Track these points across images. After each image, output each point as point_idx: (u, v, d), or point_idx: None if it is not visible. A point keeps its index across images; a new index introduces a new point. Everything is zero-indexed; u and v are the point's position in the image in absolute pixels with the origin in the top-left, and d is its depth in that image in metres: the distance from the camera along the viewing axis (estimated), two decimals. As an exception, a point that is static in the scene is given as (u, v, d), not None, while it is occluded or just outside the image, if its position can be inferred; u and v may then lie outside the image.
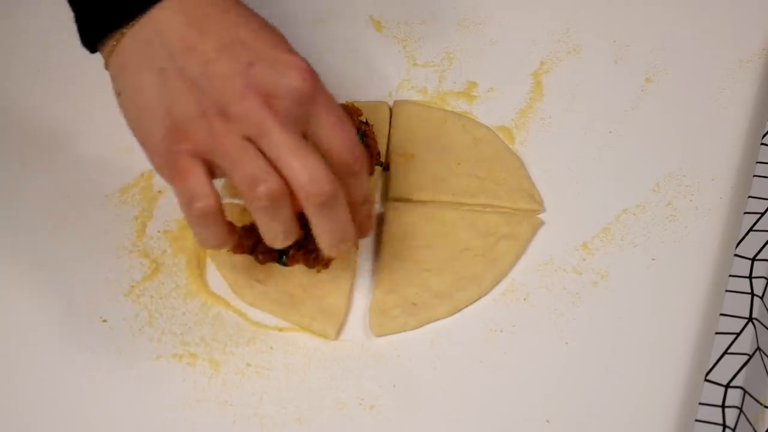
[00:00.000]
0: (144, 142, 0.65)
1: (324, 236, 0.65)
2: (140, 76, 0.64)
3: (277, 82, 0.62)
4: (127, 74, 0.65)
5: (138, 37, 0.64)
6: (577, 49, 0.86)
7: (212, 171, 0.64)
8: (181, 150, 0.63)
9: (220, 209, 0.64)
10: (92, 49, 0.67)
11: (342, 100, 0.80)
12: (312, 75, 0.63)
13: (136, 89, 0.64)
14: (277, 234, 0.65)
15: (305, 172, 0.61)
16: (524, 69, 0.85)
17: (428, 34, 0.88)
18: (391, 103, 0.83)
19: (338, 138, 0.64)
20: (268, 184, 0.61)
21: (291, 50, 0.64)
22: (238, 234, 0.68)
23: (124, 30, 0.65)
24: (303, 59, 0.63)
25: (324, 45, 0.87)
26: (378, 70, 0.86)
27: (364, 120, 0.79)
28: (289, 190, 0.62)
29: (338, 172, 0.64)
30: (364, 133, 0.78)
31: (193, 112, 0.62)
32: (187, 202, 0.63)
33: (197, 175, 0.62)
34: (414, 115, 0.81)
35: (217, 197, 0.63)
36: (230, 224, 0.66)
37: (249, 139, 0.62)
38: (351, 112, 0.79)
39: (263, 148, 0.62)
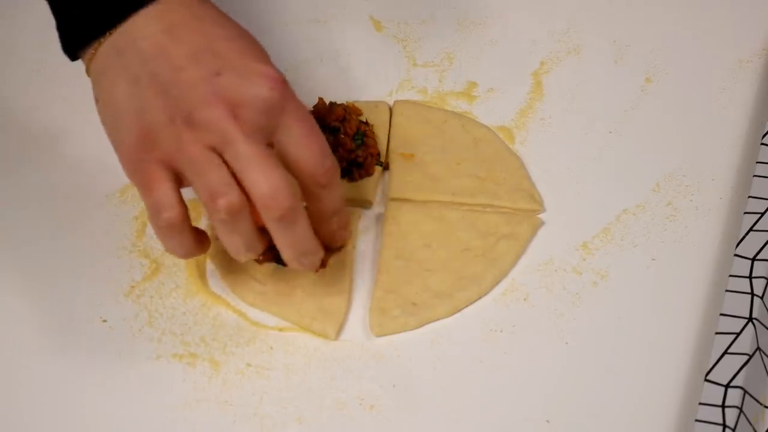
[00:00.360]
0: (117, 149, 0.65)
1: (284, 249, 0.65)
2: (115, 83, 0.64)
3: (243, 90, 0.61)
4: (103, 81, 0.65)
5: (115, 44, 0.64)
6: (577, 49, 0.86)
7: (182, 180, 0.63)
8: (150, 158, 0.62)
9: (185, 220, 0.63)
10: (72, 56, 0.67)
11: (342, 100, 0.80)
12: (281, 84, 0.62)
13: (111, 96, 0.64)
14: (238, 247, 0.64)
15: (265, 185, 0.61)
16: (524, 69, 0.85)
17: (428, 34, 0.88)
18: (391, 103, 0.83)
19: (307, 149, 0.63)
20: (228, 197, 0.61)
21: (264, 60, 0.64)
22: (208, 244, 0.67)
23: (103, 38, 0.65)
24: (275, 69, 0.63)
25: (324, 45, 0.87)
26: (378, 70, 0.86)
27: (364, 120, 0.79)
28: (251, 203, 0.62)
29: (306, 183, 0.64)
30: (364, 133, 0.78)
31: (162, 119, 0.62)
32: (153, 212, 0.63)
33: (164, 186, 0.62)
34: (414, 115, 0.81)
35: (183, 209, 0.63)
36: (200, 234, 0.66)
37: (214, 149, 0.61)
38: (351, 112, 0.79)
39: (227, 159, 0.61)
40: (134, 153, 0.63)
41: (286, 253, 0.65)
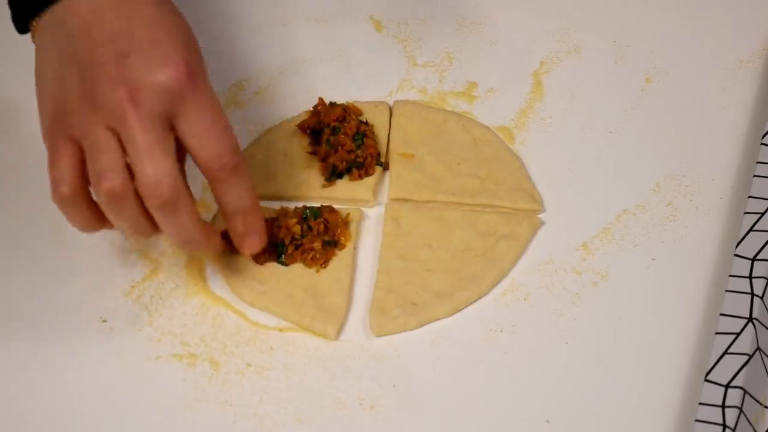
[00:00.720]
0: (40, 121, 0.66)
1: (168, 235, 0.66)
2: (45, 57, 0.66)
3: (144, 75, 0.62)
4: (38, 54, 0.67)
5: (52, 19, 0.66)
6: (577, 49, 0.86)
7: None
8: (60, 133, 0.64)
9: (78, 196, 0.64)
10: (20, 29, 0.68)
11: (342, 100, 0.80)
12: (184, 73, 0.63)
13: (41, 68, 0.66)
14: (124, 229, 0.66)
15: (149, 174, 0.62)
16: (524, 69, 0.85)
17: (428, 34, 0.88)
18: (391, 103, 0.83)
19: (203, 142, 0.64)
20: (110, 182, 0.62)
21: (181, 49, 0.64)
22: (107, 223, 0.67)
23: (44, 12, 0.66)
24: (185, 58, 0.63)
25: (324, 45, 0.87)
26: (378, 70, 0.86)
27: (364, 120, 0.79)
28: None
29: (205, 175, 0.65)
30: (364, 133, 0.78)
31: (74, 96, 0.63)
32: (52, 186, 0.64)
33: (65, 161, 0.63)
34: (414, 115, 0.81)
35: (78, 185, 0.64)
36: (99, 212, 0.66)
37: (114, 131, 0.62)
38: (351, 112, 0.79)
39: (123, 142, 0.62)
40: (49, 126, 0.65)
41: (169, 238, 0.67)
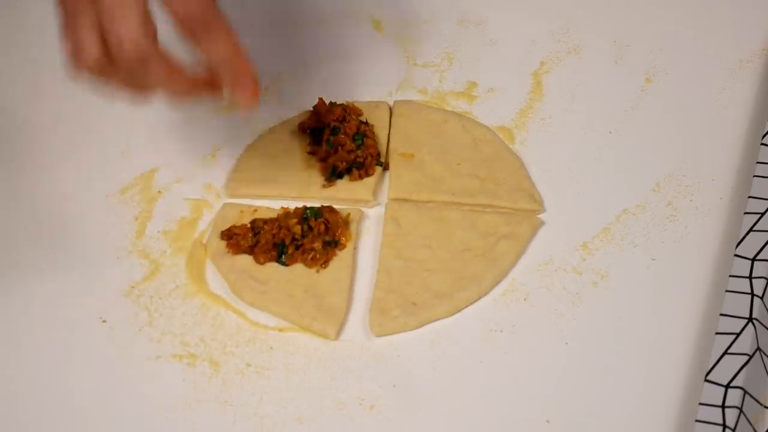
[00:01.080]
0: None
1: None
2: None
3: None
4: None
5: None
6: (577, 49, 0.86)
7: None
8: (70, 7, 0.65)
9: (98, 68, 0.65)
10: None
11: (342, 100, 0.80)
12: None
13: None
14: (124, 90, 0.67)
15: (114, 36, 0.63)
16: (524, 69, 0.85)
17: (428, 34, 0.88)
18: (391, 103, 0.83)
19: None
20: (88, 55, 0.64)
21: None
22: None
23: None
24: None
25: (324, 45, 0.87)
26: (378, 70, 0.86)
27: (364, 120, 0.79)
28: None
29: (185, 29, 0.65)
30: (364, 133, 0.78)
31: None
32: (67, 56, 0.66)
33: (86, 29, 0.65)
34: (414, 115, 0.81)
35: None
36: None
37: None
38: (351, 112, 0.79)
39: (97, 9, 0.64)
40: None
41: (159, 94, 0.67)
